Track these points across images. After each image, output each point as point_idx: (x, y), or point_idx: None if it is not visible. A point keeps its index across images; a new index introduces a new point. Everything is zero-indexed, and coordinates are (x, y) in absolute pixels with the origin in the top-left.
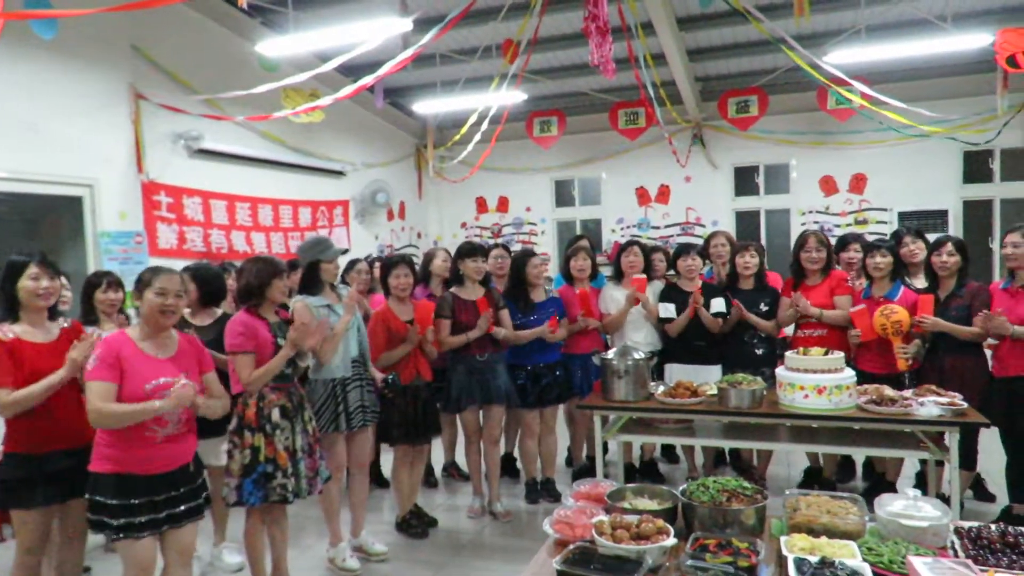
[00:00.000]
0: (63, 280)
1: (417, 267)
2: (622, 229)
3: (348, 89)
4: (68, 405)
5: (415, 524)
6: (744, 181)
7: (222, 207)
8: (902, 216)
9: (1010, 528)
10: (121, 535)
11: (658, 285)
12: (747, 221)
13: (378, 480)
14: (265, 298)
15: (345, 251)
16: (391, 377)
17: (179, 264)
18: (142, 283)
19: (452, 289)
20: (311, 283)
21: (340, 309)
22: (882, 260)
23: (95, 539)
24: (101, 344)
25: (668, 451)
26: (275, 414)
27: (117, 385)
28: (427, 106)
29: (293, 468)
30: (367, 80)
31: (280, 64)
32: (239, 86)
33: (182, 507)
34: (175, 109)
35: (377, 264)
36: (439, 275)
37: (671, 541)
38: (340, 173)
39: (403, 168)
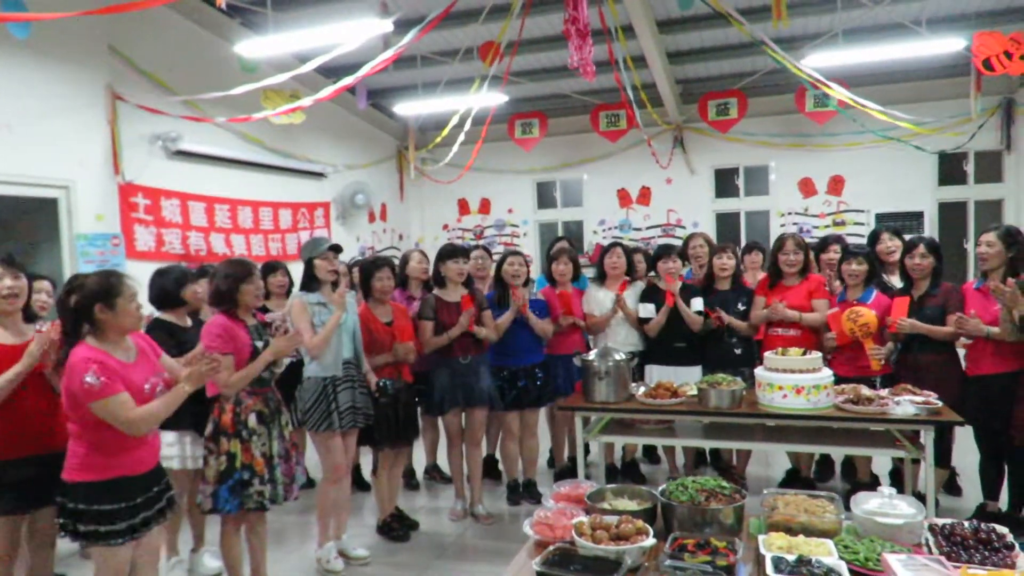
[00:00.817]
0: (46, 284)
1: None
2: (604, 231)
3: (329, 90)
4: (36, 410)
5: (396, 527)
6: (724, 183)
7: (201, 209)
8: (879, 217)
9: (982, 525)
10: (124, 539)
11: (639, 286)
12: (727, 223)
13: (359, 483)
14: (236, 302)
15: (336, 247)
16: (385, 383)
17: (155, 267)
18: (108, 292)
19: (434, 291)
20: (308, 281)
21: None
22: (858, 268)
23: (69, 546)
24: (88, 363)
25: (649, 452)
26: (252, 420)
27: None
28: (408, 108)
29: (270, 474)
30: (347, 81)
31: (259, 65)
32: (218, 87)
33: (163, 502)
34: (153, 110)
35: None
36: (415, 277)
37: (650, 541)
38: (321, 175)
39: (385, 170)
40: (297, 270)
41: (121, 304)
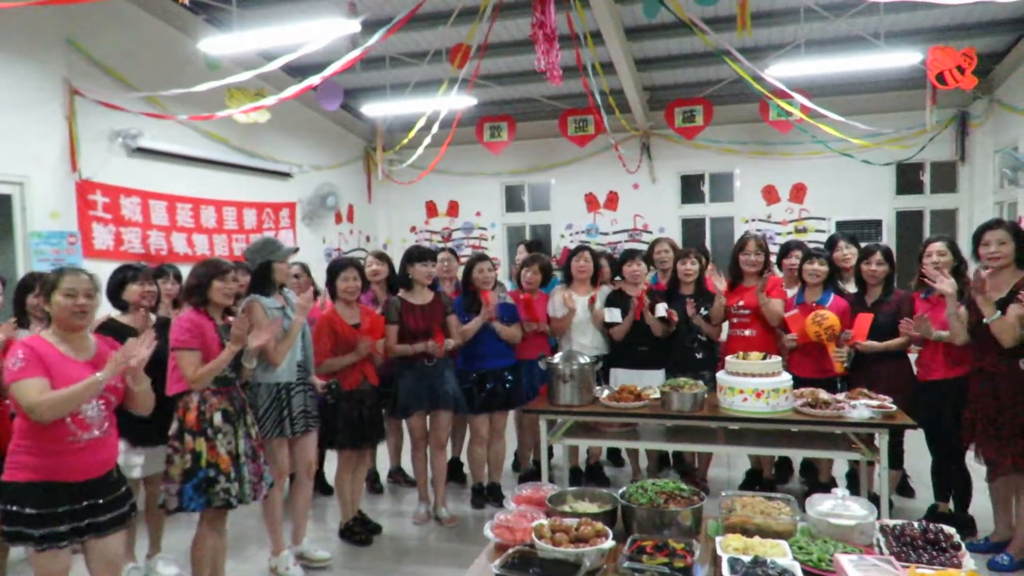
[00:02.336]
0: None
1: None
2: (571, 235)
3: (294, 89)
4: None
5: (359, 531)
6: (690, 189)
7: (162, 208)
8: (839, 225)
9: (931, 525)
10: (44, 546)
11: (605, 290)
12: (693, 228)
13: (321, 487)
14: (206, 299)
15: (295, 250)
16: (333, 383)
17: (113, 266)
18: (47, 285)
19: (400, 293)
20: (263, 284)
21: (292, 313)
22: (820, 268)
23: (18, 551)
24: (20, 346)
25: (614, 454)
26: (217, 418)
27: (48, 381)
28: (376, 109)
29: (236, 473)
30: (313, 80)
31: (224, 62)
32: (181, 84)
33: (106, 516)
34: (113, 106)
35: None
36: (370, 279)
37: (609, 543)
38: (287, 175)
39: (352, 171)
40: None
41: (55, 296)
